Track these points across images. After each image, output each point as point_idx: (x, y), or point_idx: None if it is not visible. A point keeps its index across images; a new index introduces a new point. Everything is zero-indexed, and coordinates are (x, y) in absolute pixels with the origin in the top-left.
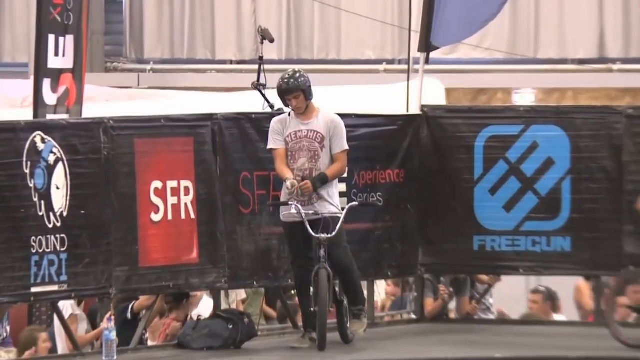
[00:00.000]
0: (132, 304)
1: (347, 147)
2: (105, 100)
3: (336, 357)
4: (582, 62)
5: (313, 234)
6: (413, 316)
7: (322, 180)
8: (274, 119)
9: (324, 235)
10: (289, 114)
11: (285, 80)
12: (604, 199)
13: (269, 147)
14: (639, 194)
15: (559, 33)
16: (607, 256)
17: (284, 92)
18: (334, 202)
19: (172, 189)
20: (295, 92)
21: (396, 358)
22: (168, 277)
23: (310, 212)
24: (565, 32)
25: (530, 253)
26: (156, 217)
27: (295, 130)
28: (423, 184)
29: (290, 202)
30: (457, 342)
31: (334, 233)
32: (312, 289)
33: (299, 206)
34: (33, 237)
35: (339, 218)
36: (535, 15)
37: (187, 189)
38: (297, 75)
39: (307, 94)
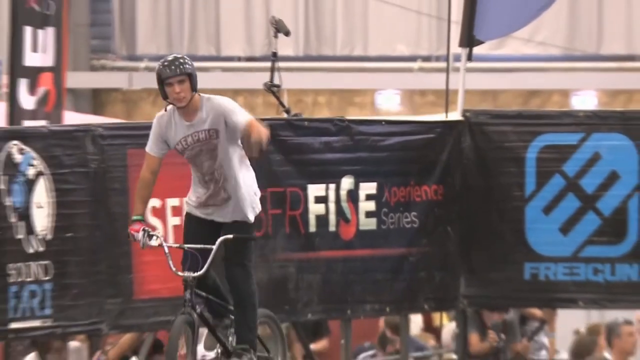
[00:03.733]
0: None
1: (249, 117)
2: None
3: None
4: None
5: (172, 267)
6: (454, 356)
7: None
8: (155, 118)
9: (188, 274)
10: (172, 114)
11: (167, 63)
12: None
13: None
14: None
15: (626, 25)
16: None
17: (165, 74)
18: (242, 203)
19: (173, 207)
20: (180, 75)
21: None
22: (169, 310)
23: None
24: (634, 23)
25: (591, 283)
26: (154, 241)
27: (185, 136)
28: (465, 202)
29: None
30: None
31: (202, 270)
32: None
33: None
34: (10, 265)
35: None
36: (598, 3)
37: None
38: (182, 59)
39: (193, 81)
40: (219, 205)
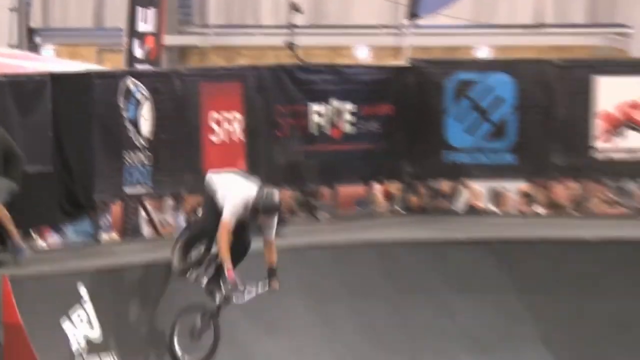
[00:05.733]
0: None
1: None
2: None
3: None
4: (524, 26)
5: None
6: (402, 211)
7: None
8: (243, 199)
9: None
10: None
11: (272, 208)
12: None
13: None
14: (573, 125)
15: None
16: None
17: (266, 214)
18: None
19: (219, 119)
20: (274, 215)
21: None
22: None
23: None
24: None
25: (485, 166)
26: (215, 139)
27: None
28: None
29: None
30: (434, 228)
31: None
32: None
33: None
34: (125, 152)
35: None
36: None
37: (235, 119)
38: (279, 210)
39: None
40: None
